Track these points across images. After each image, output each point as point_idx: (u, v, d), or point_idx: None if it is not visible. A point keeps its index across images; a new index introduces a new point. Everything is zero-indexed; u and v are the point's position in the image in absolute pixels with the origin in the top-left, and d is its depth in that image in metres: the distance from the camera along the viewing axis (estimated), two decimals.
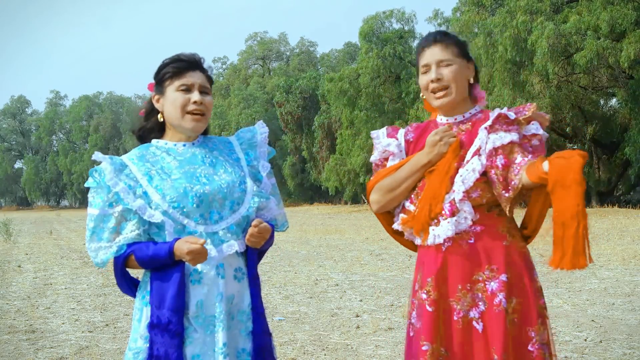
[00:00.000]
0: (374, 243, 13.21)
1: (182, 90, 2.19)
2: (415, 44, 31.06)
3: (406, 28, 30.38)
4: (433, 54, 2.29)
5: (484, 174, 2.19)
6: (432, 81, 2.27)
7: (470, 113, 2.32)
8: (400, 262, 9.81)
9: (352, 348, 4.83)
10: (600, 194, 24.01)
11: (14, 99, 72.28)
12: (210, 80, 2.28)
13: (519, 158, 2.15)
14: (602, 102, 25.01)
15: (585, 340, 4.82)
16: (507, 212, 2.20)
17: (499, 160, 2.16)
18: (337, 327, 5.51)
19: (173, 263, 2.10)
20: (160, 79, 2.24)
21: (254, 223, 2.15)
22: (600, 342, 4.76)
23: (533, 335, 2.15)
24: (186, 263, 2.10)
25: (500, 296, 2.15)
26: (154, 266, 2.12)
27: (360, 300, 6.73)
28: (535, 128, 2.23)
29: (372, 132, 2.48)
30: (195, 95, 2.19)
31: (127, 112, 64.42)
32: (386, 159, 2.39)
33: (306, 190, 42.47)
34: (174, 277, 2.10)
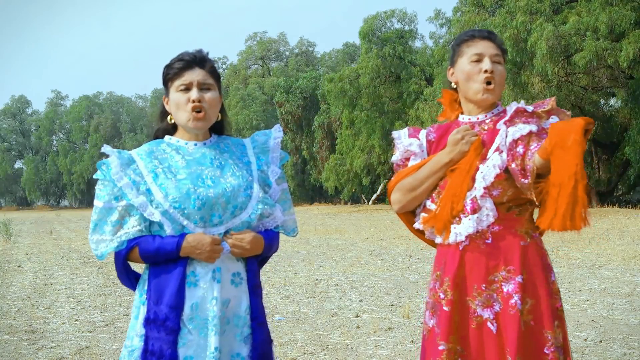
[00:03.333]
0: (374, 243, 13.17)
1: (181, 90, 2.18)
2: (416, 44, 31.09)
3: (407, 28, 30.36)
4: (487, 46, 2.30)
5: (505, 170, 2.18)
6: (485, 71, 2.26)
7: (492, 113, 2.33)
8: (400, 262, 9.81)
9: (352, 348, 4.83)
10: (600, 194, 23.99)
11: (14, 99, 72.14)
12: (214, 75, 2.24)
13: (534, 145, 2.13)
14: (602, 102, 25.00)
15: (585, 340, 4.83)
16: (535, 200, 2.14)
17: (519, 151, 2.15)
18: (337, 327, 5.51)
19: (176, 259, 2.10)
20: (165, 81, 2.24)
21: (227, 236, 2.14)
22: (600, 342, 4.77)
23: (549, 337, 2.13)
24: (188, 261, 2.10)
25: (516, 297, 2.14)
26: (158, 260, 2.11)
27: (360, 300, 6.73)
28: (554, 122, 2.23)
29: (393, 132, 2.47)
30: (193, 94, 2.16)
31: (127, 112, 64.37)
32: (407, 159, 2.38)
33: (306, 190, 42.47)
34: (175, 273, 2.10)
